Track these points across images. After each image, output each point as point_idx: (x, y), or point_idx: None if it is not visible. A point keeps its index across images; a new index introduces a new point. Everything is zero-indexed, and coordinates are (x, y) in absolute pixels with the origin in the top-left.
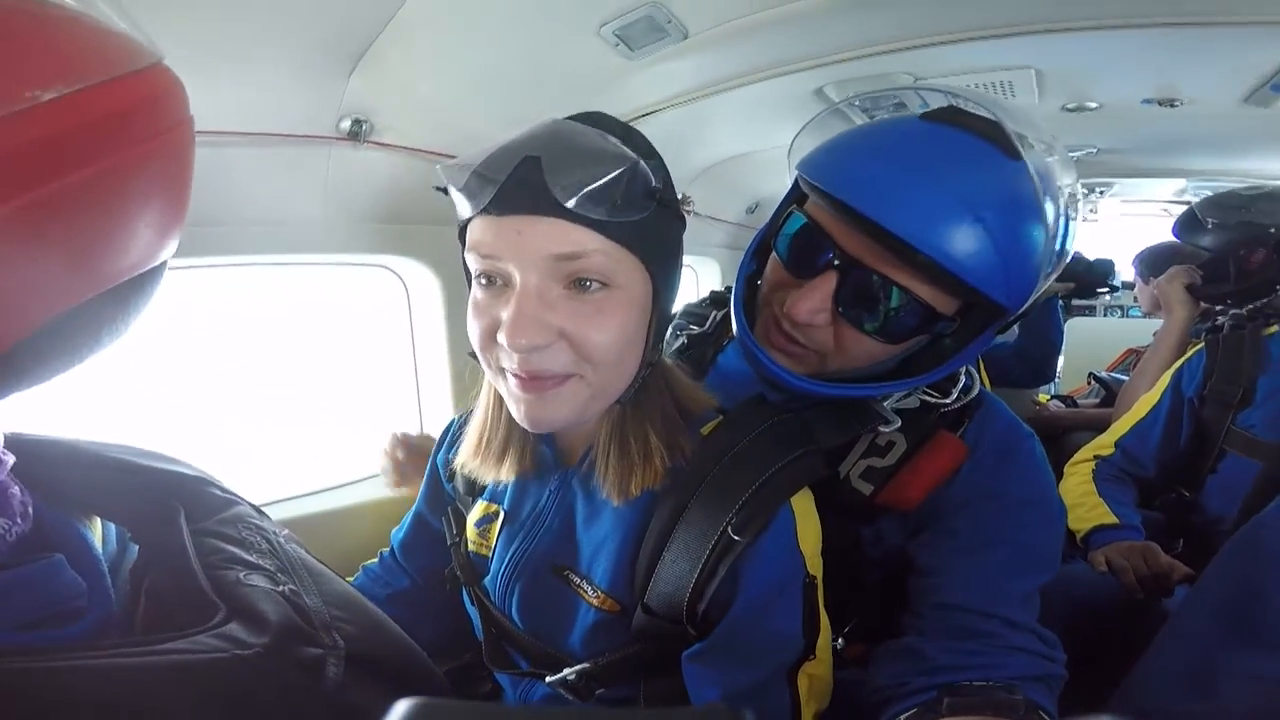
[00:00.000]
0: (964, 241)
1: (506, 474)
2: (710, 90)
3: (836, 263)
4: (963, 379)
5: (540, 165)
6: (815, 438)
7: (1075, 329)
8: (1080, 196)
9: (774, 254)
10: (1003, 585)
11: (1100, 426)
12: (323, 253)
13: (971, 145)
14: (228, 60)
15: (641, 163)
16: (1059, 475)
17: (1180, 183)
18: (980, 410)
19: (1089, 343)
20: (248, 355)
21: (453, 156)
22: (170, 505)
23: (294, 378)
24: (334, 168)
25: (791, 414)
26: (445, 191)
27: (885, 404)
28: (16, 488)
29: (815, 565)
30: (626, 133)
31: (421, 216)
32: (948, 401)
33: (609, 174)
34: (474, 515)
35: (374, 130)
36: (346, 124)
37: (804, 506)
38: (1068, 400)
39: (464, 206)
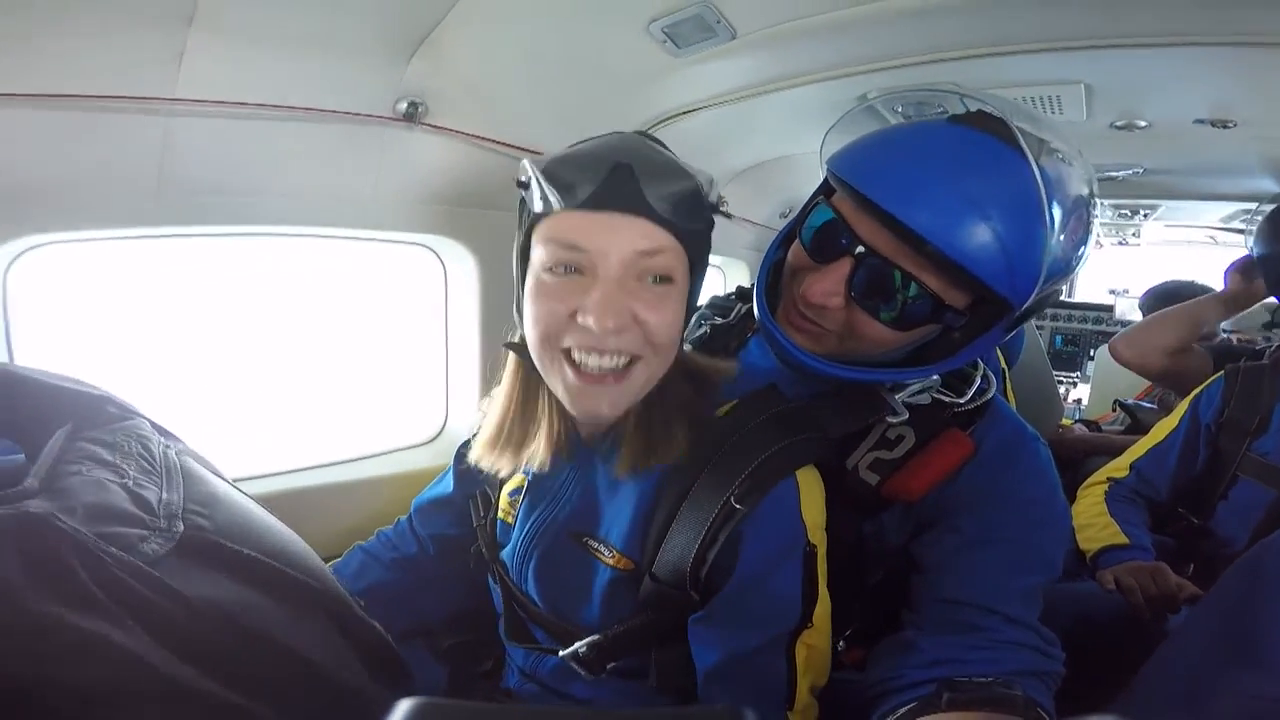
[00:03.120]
0: (972, 238)
1: (525, 464)
2: (754, 91)
3: (853, 250)
4: (978, 381)
5: (633, 172)
6: (822, 425)
7: (1105, 356)
8: (1096, 205)
9: (798, 240)
10: (1003, 582)
11: (1121, 453)
12: (371, 229)
13: (989, 148)
14: (298, 38)
15: (706, 179)
16: (1073, 498)
17: (1229, 207)
18: (990, 412)
19: (1118, 370)
20: (282, 325)
21: (502, 143)
22: (59, 419)
23: (327, 349)
24: (388, 147)
25: (800, 403)
26: (523, 185)
27: (897, 397)
28: None
29: (817, 536)
30: (669, 154)
31: (466, 200)
32: (961, 401)
33: (689, 187)
34: (509, 485)
35: (428, 113)
36: (403, 106)
37: (809, 479)
38: (1092, 426)
39: (551, 200)
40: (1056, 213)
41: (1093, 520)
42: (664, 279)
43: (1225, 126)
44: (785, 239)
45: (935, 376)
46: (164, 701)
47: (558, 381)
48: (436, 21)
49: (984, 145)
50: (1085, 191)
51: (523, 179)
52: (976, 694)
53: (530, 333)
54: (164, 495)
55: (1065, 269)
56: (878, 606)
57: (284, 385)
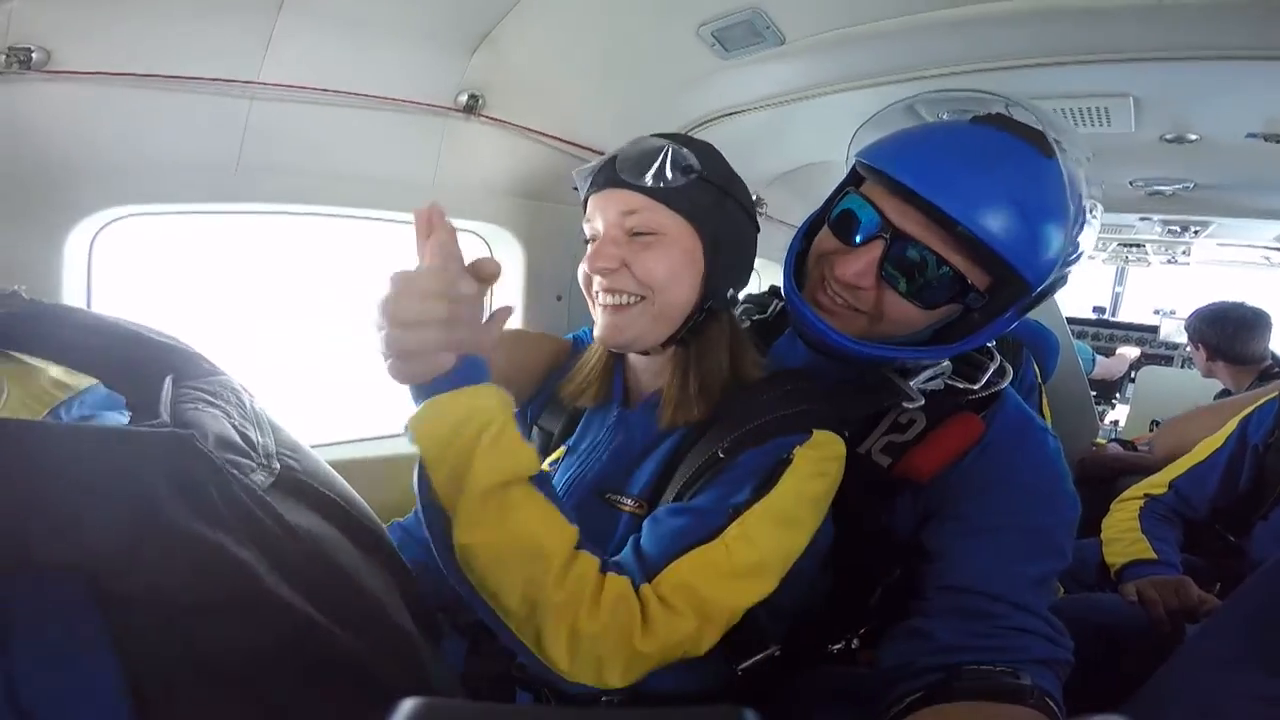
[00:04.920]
0: (999, 220)
1: (585, 400)
2: (799, 95)
3: (885, 234)
4: (990, 369)
5: (616, 160)
6: (834, 403)
7: (1146, 378)
8: (1096, 208)
9: (826, 226)
10: (1009, 568)
11: (1153, 473)
12: None
13: (1014, 145)
14: (372, 26)
15: (677, 149)
16: (1103, 515)
17: None
18: (1000, 401)
19: (1159, 392)
20: (330, 304)
21: (554, 136)
22: (161, 370)
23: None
24: (447, 137)
25: (814, 382)
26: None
27: (911, 383)
28: None
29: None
30: (687, 139)
31: (516, 190)
32: (974, 388)
33: (652, 157)
34: (551, 458)
35: (486, 106)
36: (464, 98)
37: (829, 441)
38: (1128, 445)
39: (583, 192)
40: (1070, 206)
41: (1123, 534)
42: (648, 232)
43: (1279, 141)
44: (808, 231)
45: (947, 363)
46: (267, 618)
47: (596, 317)
48: (498, 18)
49: (1007, 142)
50: (1086, 190)
51: (574, 185)
52: (984, 683)
53: (581, 286)
54: (259, 437)
55: (1074, 258)
56: (892, 606)
57: (333, 361)
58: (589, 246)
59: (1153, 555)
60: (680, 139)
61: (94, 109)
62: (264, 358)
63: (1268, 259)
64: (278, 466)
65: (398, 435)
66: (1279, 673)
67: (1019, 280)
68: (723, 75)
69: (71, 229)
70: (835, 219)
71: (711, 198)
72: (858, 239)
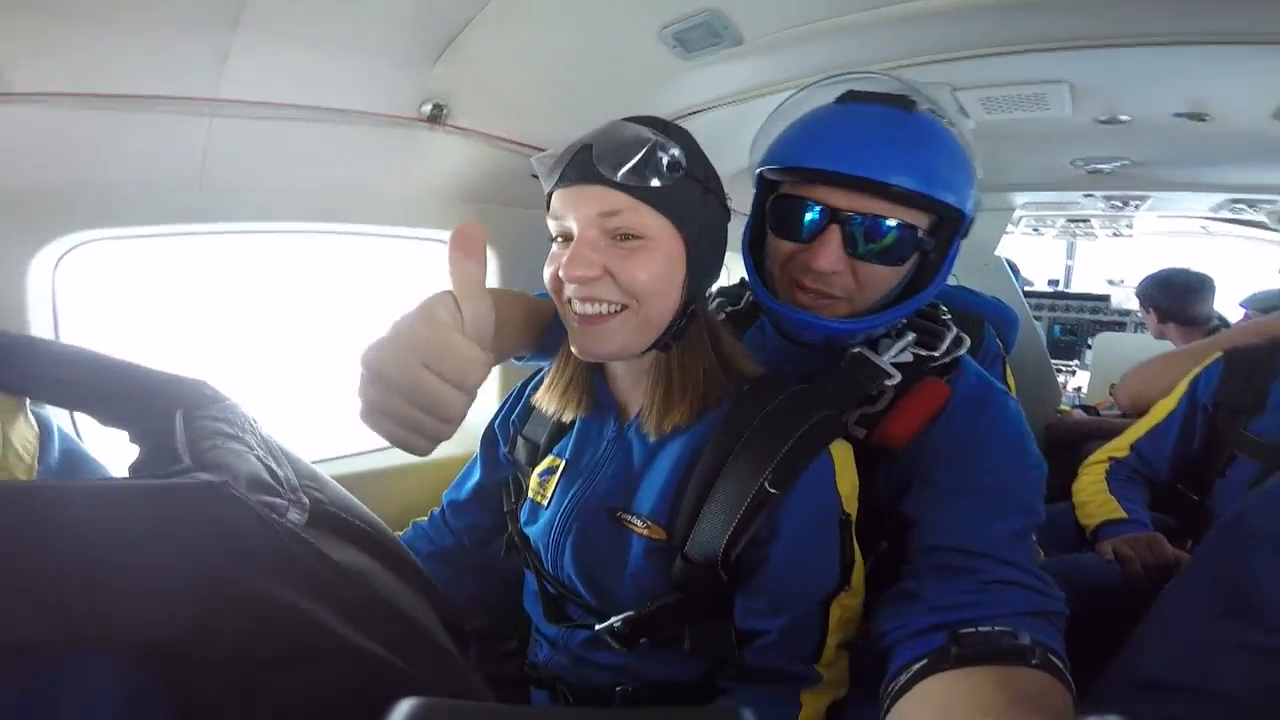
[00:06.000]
0: (918, 170)
1: (570, 412)
2: (758, 93)
3: (835, 219)
4: (949, 338)
5: (591, 151)
6: (830, 401)
7: (1103, 343)
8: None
9: (772, 237)
10: (984, 526)
11: (1117, 436)
12: (397, 225)
13: (889, 110)
14: (332, 41)
15: (663, 143)
16: (1071, 480)
17: (1216, 197)
18: (960, 367)
19: (1116, 356)
20: (306, 319)
21: (520, 143)
22: (168, 404)
23: (349, 342)
24: (413, 148)
25: (805, 384)
26: (535, 178)
27: (884, 357)
28: None
29: (851, 505)
30: (665, 127)
31: (487, 197)
32: (936, 355)
33: (635, 152)
34: (540, 467)
35: (451, 115)
36: (428, 108)
37: (842, 453)
38: (1091, 411)
39: (546, 184)
40: (959, 141)
41: (1092, 497)
42: (632, 236)
43: (1202, 120)
44: (751, 245)
45: (912, 334)
46: (338, 662)
47: (569, 326)
48: (460, 27)
49: (882, 110)
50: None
51: (533, 173)
52: (984, 646)
53: (548, 289)
54: (280, 470)
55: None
56: (883, 576)
57: (307, 377)
58: (555, 245)
59: (1123, 514)
60: (657, 125)
61: (49, 131)
62: (247, 377)
63: (1205, 229)
64: (306, 501)
65: (385, 448)
66: (1246, 617)
67: (953, 210)
68: (685, 76)
69: (33, 257)
70: (782, 226)
71: (696, 196)
72: (811, 233)
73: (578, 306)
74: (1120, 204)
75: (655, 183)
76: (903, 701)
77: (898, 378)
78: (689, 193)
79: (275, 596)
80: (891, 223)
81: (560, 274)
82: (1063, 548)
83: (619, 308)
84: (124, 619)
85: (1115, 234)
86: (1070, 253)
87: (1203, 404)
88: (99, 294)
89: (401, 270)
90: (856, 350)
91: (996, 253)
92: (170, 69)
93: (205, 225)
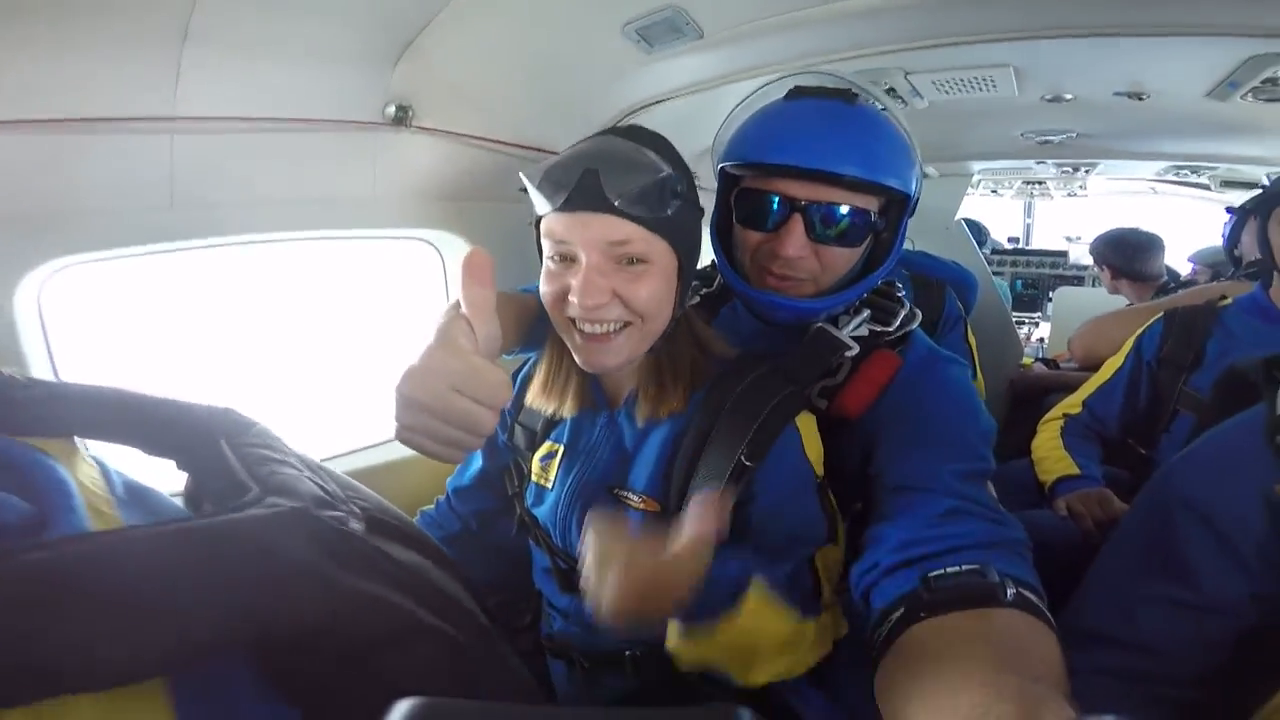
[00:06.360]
0: (865, 159)
1: (566, 410)
2: (719, 83)
3: (795, 208)
4: (902, 314)
5: (599, 176)
6: (794, 377)
7: (1062, 297)
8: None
9: (739, 228)
10: (934, 468)
11: (1076, 389)
12: (370, 228)
13: (834, 104)
14: (285, 50)
15: (669, 173)
16: (1033, 433)
17: (1162, 164)
18: (911, 340)
19: (1075, 309)
20: (297, 325)
21: (488, 139)
22: (210, 432)
23: (340, 343)
24: (381, 150)
25: (772, 364)
26: (524, 191)
27: (843, 331)
28: None
29: (820, 468)
30: (657, 144)
31: (459, 194)
32: (890, 330)
33: (646, 183)
34: (541, 452)
35: (416, 115)
36: (391, 110)
37: (807, 424)
38: (1051, 364)
39: (541, 205)
40: (896, 125)
41: (1049, 454)
42: (638, 260)
43: (1140, 98)
44: (716, 234)
45: (867, 311)
46: (421, 639)
47: (570, 341)
48: (419, 29)
49: (829, 104)
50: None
51: (521, 188)
52: (955, 591)
53: (546, 307)
54: (327, 485)
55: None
56: (860, 534)
57: (301, 381)
58: (552, 263)
59: (1076, 471)
60: (645, 139)
61: (16, 159)
62: (246, 384)
63: (1154, 189)
64: (358, 510)
65: (385, 443)
66: (1172, 575)
67: (899, 194)
68: (648, 69)
69: (16, 286)
70: (748, 218)
71: (690, 217)
72: (776, 223)
73: (584, 326)
74: (1071, 169)
75: (665, 213)
76: (889, 660)
77: (855, 349)
78: (686, 216)
79: (368, 591)
80: (845, 209)
81: (572, 299)
82: (1025, 504)
83: (623, 325)
84: (270, 622)
85: (1070, 194)
86: (1029, 211)
87: (1147, 361)
88: (79, 315)
89: (384, 268)
90: (819, 325)
91: (966, 215)
92: (124, 89)
93: (179, 243)
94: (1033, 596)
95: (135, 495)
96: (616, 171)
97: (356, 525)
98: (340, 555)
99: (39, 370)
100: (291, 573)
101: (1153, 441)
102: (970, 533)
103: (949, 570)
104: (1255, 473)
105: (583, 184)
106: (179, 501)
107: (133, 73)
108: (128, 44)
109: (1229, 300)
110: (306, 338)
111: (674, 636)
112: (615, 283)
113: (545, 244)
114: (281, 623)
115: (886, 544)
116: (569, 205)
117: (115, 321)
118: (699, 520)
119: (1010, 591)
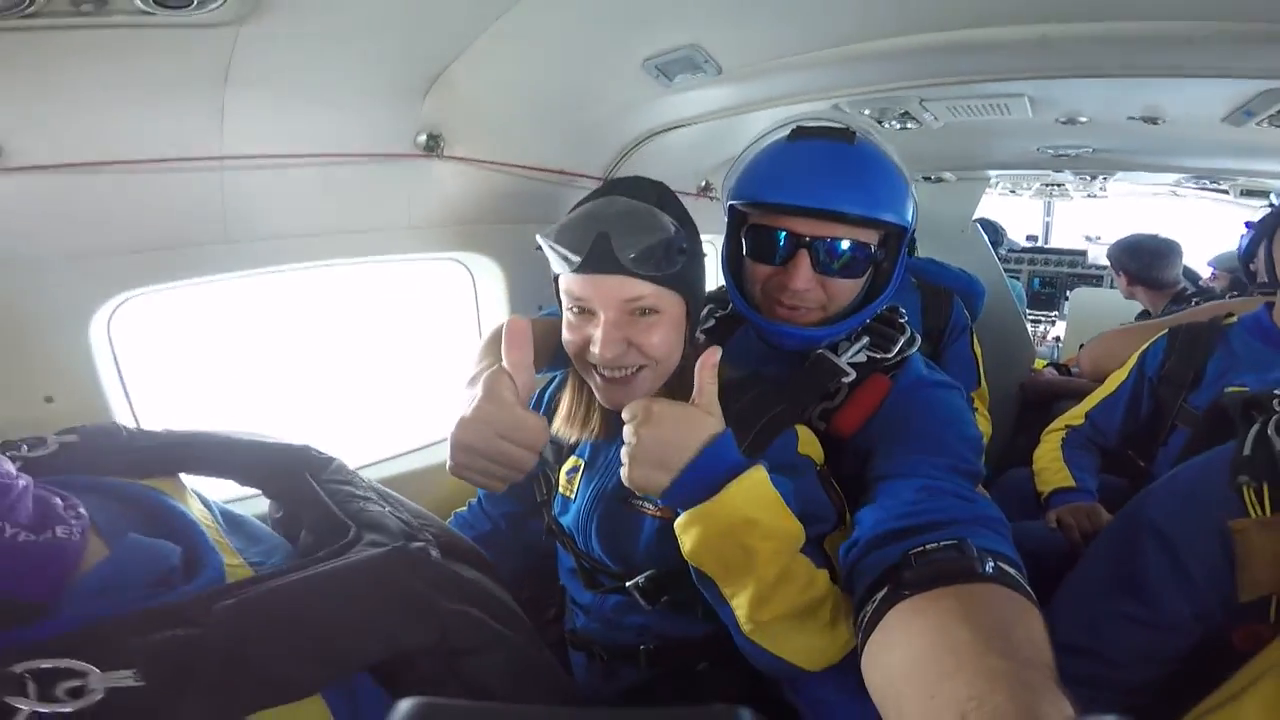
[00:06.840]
0: (865, 196)
1: (588, 435)
2: (737, 112)
3: (802, 244)
4: (902, 341)
5: (610, 240)
6: (794, 398)
7: (1079, 297)
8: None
9: (749, 262)
10: (916, 460)
11: (1084, 397)
12: (408, 252)
13: (837, 145)
14: (320, 88)
15: (674, 231)
16: (1040, 438)
17: (1178, 174)
18: (907, 364)
19: (1091, 309)
20: (341, 344)
21: (515, 165)
22: (296, 467)
23: (380, 360)
24: (414, 178)
25: (774, 386)
26: (539, 250)
27: (842, 359)
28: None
29: (820, 460)
30: (661, 198)
31: (487, 217)
32: (889, 357)
33: (654, 243)
34: (566, 466)
35: (446, 144)
36: (423, 139)
37: (805, 431)
38: (1063, 369)
39: (559, 265)
40: (892, 162)
41: (1048, 465)
42: (650, 311)
43: (1156, 123)
44: (729, 263)
45: (866, 338)
46: (492, 644)
47: (592, 382)
48: (447, 63)
49: (830, 145)
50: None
51: (537, 248)
52: (935, 566)
53: (569, 353)
54: (401, 514)
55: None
56: None
57: (342, 397)
58: (572, 314)
59: (1072, 484)
60: (651, 195)
61: (80, 199)
62: (286, 400)
63: (1175, 192)
64: (430, 537)
65: (420, 449)
66: (1133, 593)
67: (897, 227)
68: (666, 99)
69: (91, 318)
70: (758, 253)
71: (696, 269)
72: (783, 257)
73: (605, 371)
74: (1090, 177)
75: (673, 269)
76: (875, 640)
77: (853, 375)
78: (692, 267)
79: (457, 610)
80: (847, 244)
81: (593, 349)
82: (1026, 515)
83: (639, 367)
84: (396, 643)
85: (1090, 195)
86: (1049, 210)
87: (1149, 377)
88: (138, 341)
89: (420, 288)
90: (819, 352)
91: (984, 214)
92: (173, 131)
93: (238, 273)
94: (1012, 570)
95: (232, 523)
96: (627, 234)
97: (435, 553)
98: (435, 582)
99: (113, 396)
100: (408, 601)
101: (1151, 454)
102: (946, 508)
103: (928, 547)
104: (1216, 507)
105: (596, 248)
106: (266, 525)
107: (179, 115)
108: (175, 89)
109: (1234, 318)
110: (348, 352)
111: (681, 519)
112: (630, 333)
113: (564, 297)
114: (402, 643)
115: (865, 523)
116: (585, 268)
117: (168, 346)
118: (702, 369)
119: (989, 565)
